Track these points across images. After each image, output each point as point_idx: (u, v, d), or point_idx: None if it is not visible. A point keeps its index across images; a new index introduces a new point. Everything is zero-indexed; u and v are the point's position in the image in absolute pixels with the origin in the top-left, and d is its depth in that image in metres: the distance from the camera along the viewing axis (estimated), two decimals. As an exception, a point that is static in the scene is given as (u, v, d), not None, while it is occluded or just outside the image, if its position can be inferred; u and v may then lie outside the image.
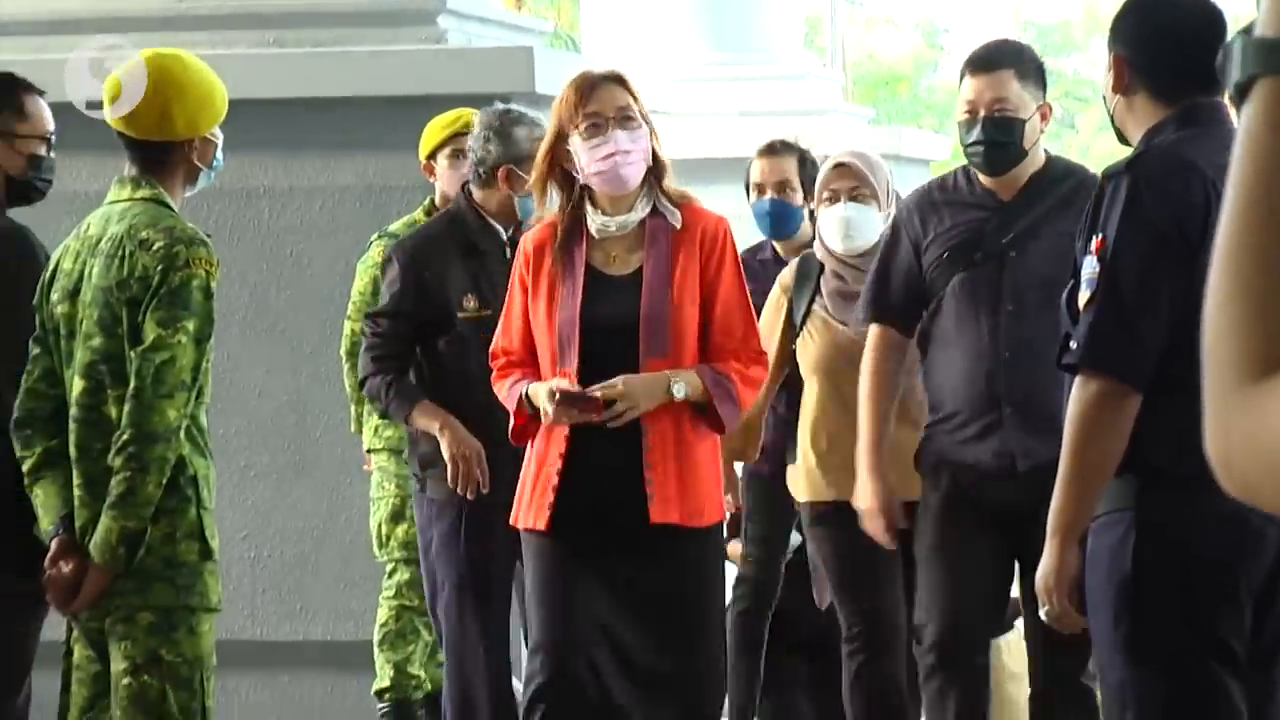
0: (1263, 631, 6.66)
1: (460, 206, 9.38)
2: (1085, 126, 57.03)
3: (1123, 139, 6.67)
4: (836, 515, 8.54)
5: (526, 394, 7.68)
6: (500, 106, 9.74)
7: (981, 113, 7.64)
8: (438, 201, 10.47)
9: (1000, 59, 7.80)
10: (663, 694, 7.68)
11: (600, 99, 7.45)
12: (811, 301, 8.76)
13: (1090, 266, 6.46)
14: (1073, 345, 6.48)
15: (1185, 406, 6.35)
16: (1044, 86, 7.87)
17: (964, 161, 8.18)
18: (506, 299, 7.79)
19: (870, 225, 8.52)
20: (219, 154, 7.87)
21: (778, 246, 10.33)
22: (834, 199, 8.62)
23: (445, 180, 10.32)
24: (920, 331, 7.76)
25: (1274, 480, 2.09)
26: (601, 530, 7.62)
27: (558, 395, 7.53)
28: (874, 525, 7.82)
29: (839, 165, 8.73)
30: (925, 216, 7.80)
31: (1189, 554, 6.51)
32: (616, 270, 7.52)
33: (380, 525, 10.73)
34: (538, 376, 7.68)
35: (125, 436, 7.27)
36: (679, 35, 19.15)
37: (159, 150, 7.72)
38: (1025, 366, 7.45)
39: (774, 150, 10.54)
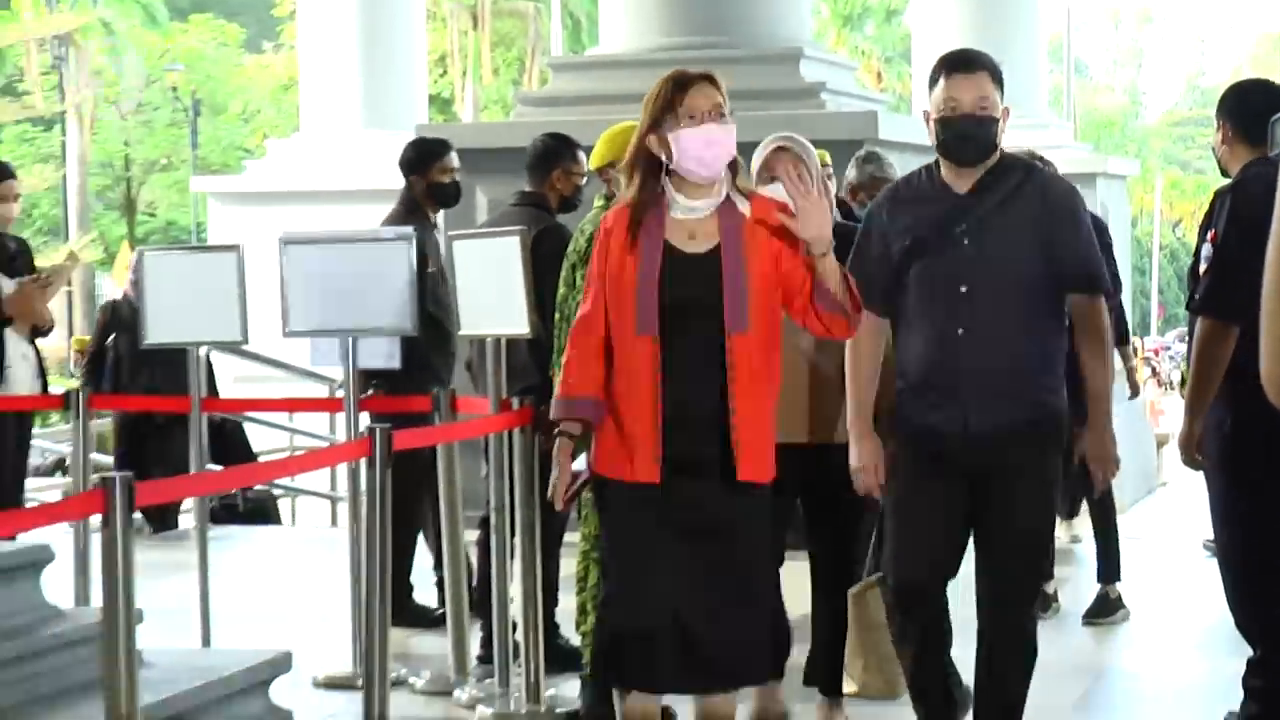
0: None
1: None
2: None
3: (1224, 172, 6.67)
4: None
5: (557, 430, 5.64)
6: (868, 149, 9.75)
7: (966, 109, 5.75)
8: None
9: (980, 62, 5.91)
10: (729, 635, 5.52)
11: (697, 95, 5.49)
12: None
13: (1207, 249, 6.46)
14: (1195, 298, 6.50)
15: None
16: (1004, 91, 5.92)
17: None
18: (589, 271, 5.76)
19: None
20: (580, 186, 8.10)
21: None
22: (776, 178, 6.57)
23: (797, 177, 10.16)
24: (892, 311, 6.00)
25: None
26: (696, 485, 5.45)
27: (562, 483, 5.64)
28: (862, 481, 6.07)
29: (780, 148, 6.81)
30: (892, 211, 5.97)
31: (1267, 418, 6.45)
32: (693, 249, 5.48)
33: None
34: (599, 375, 5.54)
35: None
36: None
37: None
38: (979, 343, 5.80)
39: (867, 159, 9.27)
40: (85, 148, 44.12)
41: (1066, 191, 5.97)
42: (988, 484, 5.84)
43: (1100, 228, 9.65)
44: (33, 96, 42.59)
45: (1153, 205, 54.21)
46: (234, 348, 10.74)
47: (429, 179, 9.12)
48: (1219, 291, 6.42)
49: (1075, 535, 11.36)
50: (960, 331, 5.79)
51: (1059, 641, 8.75)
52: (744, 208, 5.49)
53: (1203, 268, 6.49)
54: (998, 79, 5.82)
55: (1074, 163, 17.62)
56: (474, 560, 8.28)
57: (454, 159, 9.21)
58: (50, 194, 43.87)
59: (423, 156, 9.20)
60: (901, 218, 5.89)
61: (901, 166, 9.41)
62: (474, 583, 8.17)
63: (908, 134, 12.30)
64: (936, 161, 5.94)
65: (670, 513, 5.44)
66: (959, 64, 5.83)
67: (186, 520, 12.79)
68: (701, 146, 5.42)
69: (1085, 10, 76.88)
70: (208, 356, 9.05)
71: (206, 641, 8.29)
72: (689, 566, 5.45)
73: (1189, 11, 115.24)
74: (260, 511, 14.16)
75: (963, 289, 5.78)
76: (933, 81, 5.84)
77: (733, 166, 5.51)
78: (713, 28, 12.81)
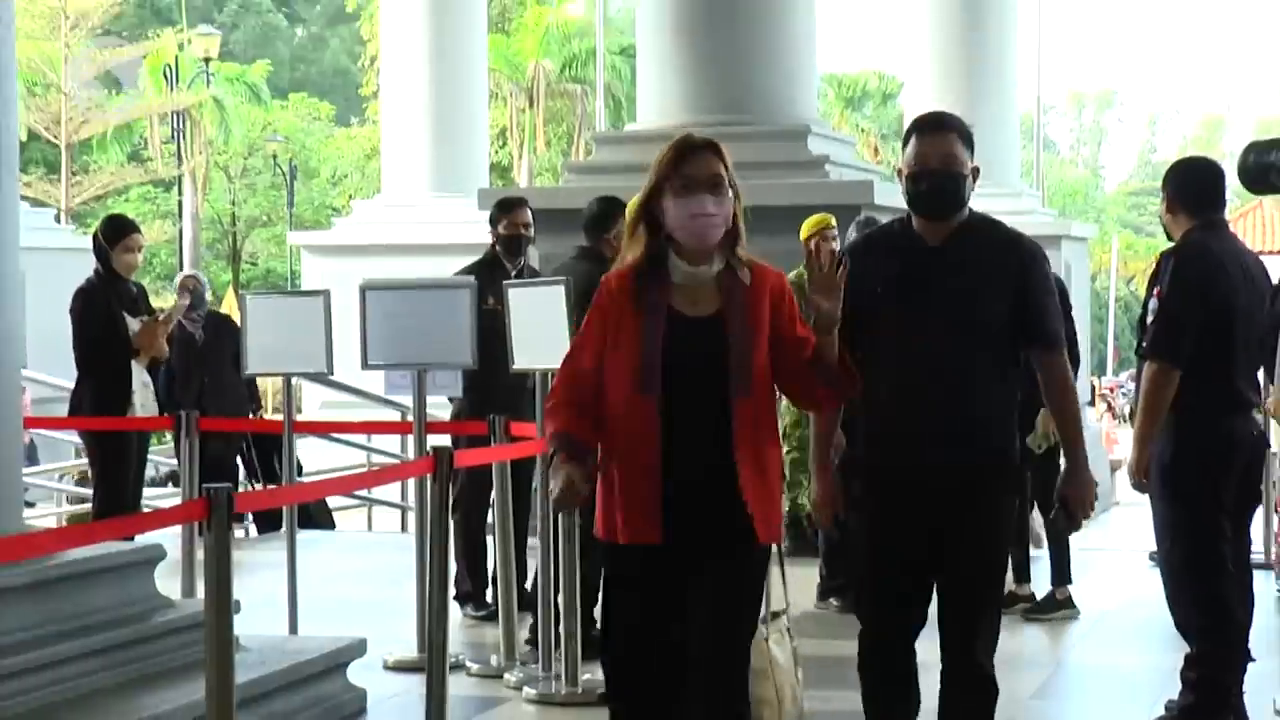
0: (1242, 492, 6.59)
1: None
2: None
3: (1169, 236, 6.64)
4: None
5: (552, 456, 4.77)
6: (866, 215, 9.79)
7: (934, 165, 5.10)
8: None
9: (948, 123, 5.24)
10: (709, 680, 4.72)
11: (696, 164, 4.73)
12: None
13: (1154, 303, 6.43)
14: (1143, 345, 6.47)
15: (1202, 379, 6.39)
16: (973, 152, 5.21)
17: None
18: (584, 328, 4.89)
19: None
20: None
21: None
22: None
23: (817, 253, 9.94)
24: (860, 353, 5.02)
25: None
26: (704, 545, 4.69)
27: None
28: (820, 514, 5.31)
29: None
30: (866, 259, 5.19)
31: (1203, 448, 6.43)
32: (696, 313, 4.72)
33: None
34: (587, 420, 4.76)
35: None
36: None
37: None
38: (944, 389, 5.05)
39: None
40: (198, 206, 44.20)
41: (1033, 252, 5.25)
42: (947, 526, 5.08)
43: (1060, 290, 9.54)
44: (154, 162, 42.68)
45: (1109, 263, 53.95)
46: (321, 378, 10.74)
47: (497, 231, 9.12)
48: (1163, 340, 6.40)
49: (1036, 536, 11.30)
50: (927, 378, 5.05)
51: (1020, 637, 8.74)
52: (744, 275, 4.75)
53: (1150, 319, 6.47)
54: (966, 139, 5.20)
55: (1042, 226, 17.63)
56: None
57: (521, 215, 9.13)
58: (167, 245, 43.91)
59: (496, 211, 9.21)
60: (875, 266, 5.16)
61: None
62: (526, 581, 8.16)
63: (900, 200, 12.20)
64: (909, 214, 5.27)
65: (672, 572, 4.69)
66: (928, 125, 5.24)
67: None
68: (690, 217, 4.70)
69: (1053, 95, 76.79)
70: (287, 380, 9.01)
71: (294, 629, 8.29)
72: (692, 618, 4.68)
73: (1142, 97, 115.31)
74: (307, 516, 13.83)
75: (931, 337, 5.05)
76: (905, 141, 5.27)
77: (733, 234, 4.76)
78: (733, 107, 12.81)
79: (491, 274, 8.68)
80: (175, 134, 41.19)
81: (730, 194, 4.74)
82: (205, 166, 44.43)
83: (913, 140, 5.20)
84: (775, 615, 5.25)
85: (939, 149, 5.13)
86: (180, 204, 43.25)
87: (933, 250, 5.14)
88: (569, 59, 44.59)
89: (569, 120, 45.87)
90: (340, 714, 7.00)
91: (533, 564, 8.03)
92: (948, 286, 5.07)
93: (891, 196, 12.40)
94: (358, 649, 7.33)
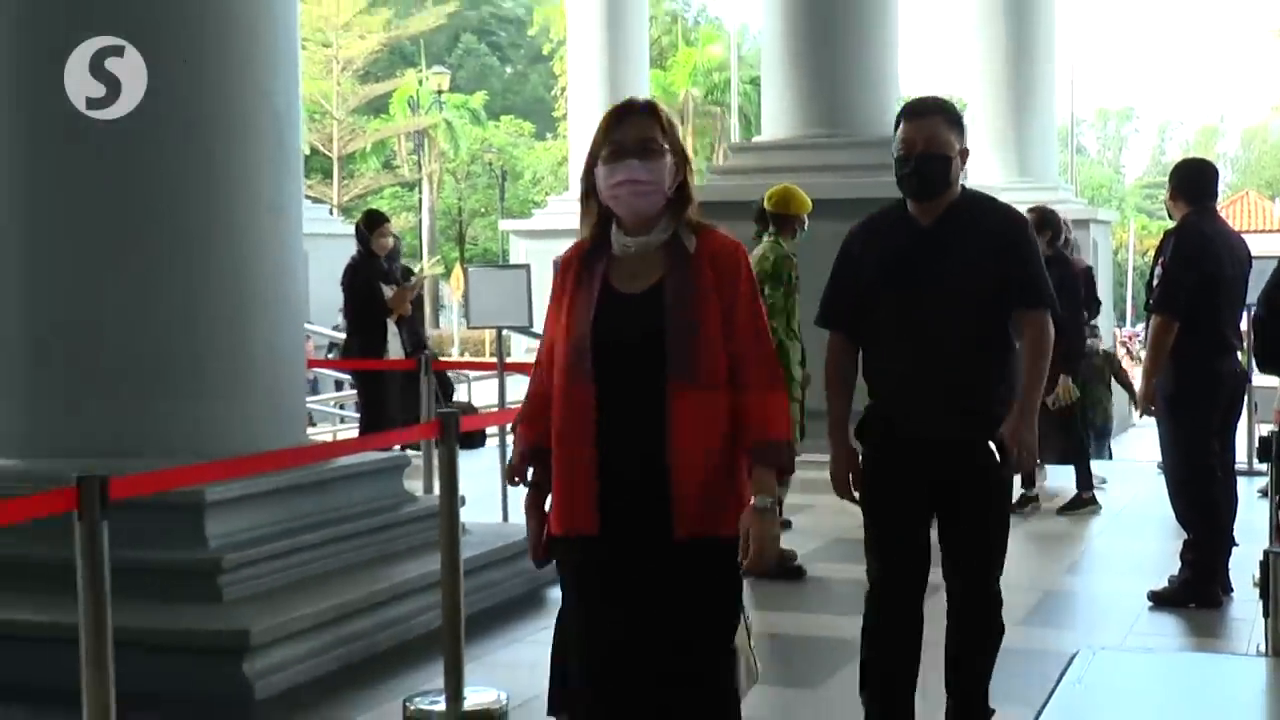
0: (1227, 416, 6.46)
1: None
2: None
3: (1171, 219, 6.51)
4: None
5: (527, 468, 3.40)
6: None
7: (917, 149, 4.07)
8: None
9: (933, 108, 4.17)
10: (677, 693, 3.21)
11: (626, 128, 3.27)
12: None
13: (1159, 270, 6.31)
14: (1150, 303, 6.35)
15: (1196, 329, 6.26)
16: (964, 135, 4.16)
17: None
18: (546, 311, 3.45)
19: None
20: (804, 225, 7.42)
21: None
22: None
23: None
24: (863, 331, 4.19)
25: None
26: (634, 540, 3.19)
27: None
28: (838, 485, 4.18)
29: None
30: (865, 242, 4.21)
31: (1196, 383, 6.31)
32: (633, 288, 3.24)
33: None
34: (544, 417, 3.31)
35: None
36: (995, 171, 18.73)
37: (781, 219, 7.30)
38: (941, 362, 4.05)
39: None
40: (434, 201, 44.64)
41: (1018, 221, 4.25)
42: (951, 487, 4.14)
43: (1087, 272, 9.39)
44: (402, 169, 43.19)
45: (1128, 241, 52.83)
46: (524, 329, 10.84)
47: None
48: (1166, 298, 6.29)
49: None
50: (925, 354, 4.07)
51: (1055, 527, 8.62)
52: (691, 244, 3.27)
53: (1155, 283, 6.36)
54: (953, 122, 4.16)
55: (1076, 213, 17.22)
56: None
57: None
58: (410, 231, 44.36)
59: None
60: (872, 248, 4.18)
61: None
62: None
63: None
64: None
65: (609, 568, 3.23)
66: (913, 110, 4.20)
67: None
68: (614, 184, 3.27)
69: (1085, 111, 75.12)
70: (499, 331, 9.07)
71: (505, 518, 8.39)
72: (629, 626, 3.22)
73: (1154, 112, 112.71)
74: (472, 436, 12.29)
75: (926, 314, 4.08)
76: (895, 127, 4.22)
77: (680, 201, 3.30)
78: (833, 122, 12.66)
79: None
80: (417, 148, 41.61)
81: (669, 159, 3.29)
82: (439, 172, 44.85)
83: (901, 125, 4.18)
84: None
85: (923, 132, 4.11)
86: (420, 200, 43.73)
87: (925, 231, 4.13)
88: (711, 87, 44.42)
89: (711, 134, 45.66)
90: (539, 583, 7.07)
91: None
92: (940, 265, 4.09)
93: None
94: (553, 532, 7.38)
